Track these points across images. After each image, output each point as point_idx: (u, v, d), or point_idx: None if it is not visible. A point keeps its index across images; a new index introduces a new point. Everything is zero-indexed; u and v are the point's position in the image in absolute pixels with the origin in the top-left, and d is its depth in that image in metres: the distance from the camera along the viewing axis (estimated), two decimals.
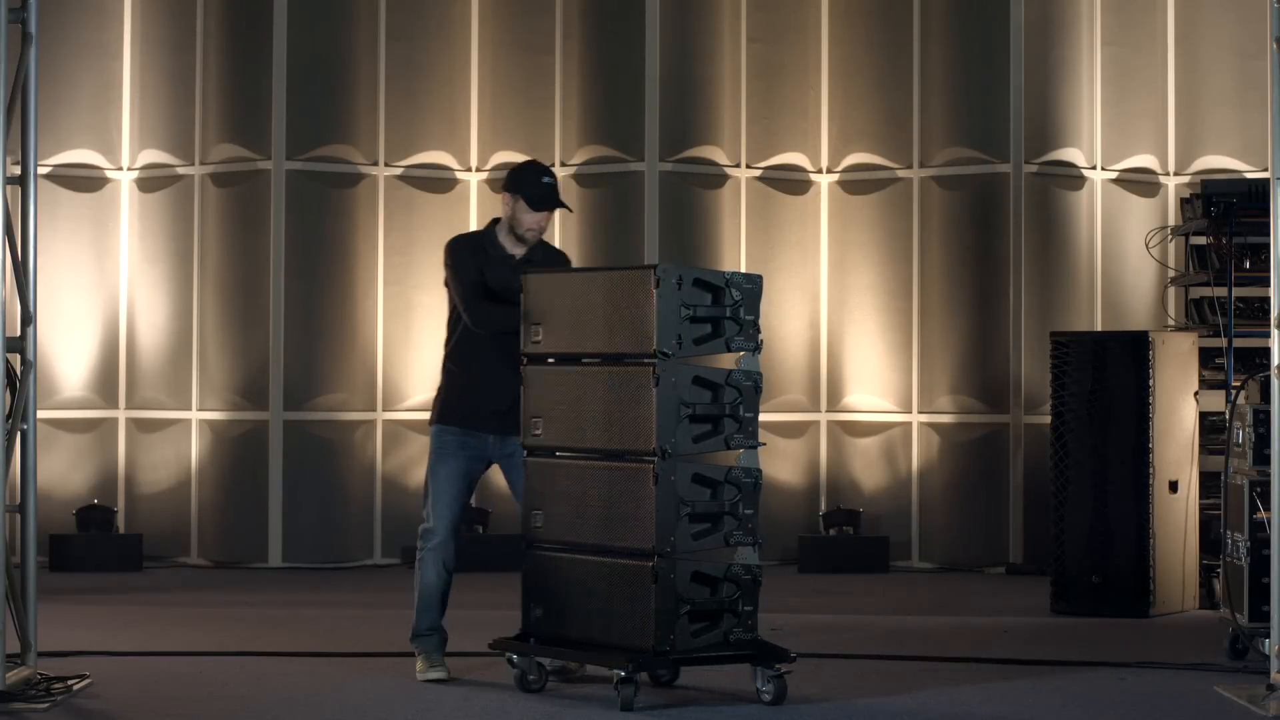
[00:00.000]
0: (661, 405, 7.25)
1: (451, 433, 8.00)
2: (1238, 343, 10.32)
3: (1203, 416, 10.45)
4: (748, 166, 12.85)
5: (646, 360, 7.29)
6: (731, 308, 7.38)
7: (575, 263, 12.47)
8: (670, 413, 7.28)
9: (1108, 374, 10.23)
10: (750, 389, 7.40)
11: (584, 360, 7.55)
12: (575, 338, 7.55)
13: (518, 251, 8.02)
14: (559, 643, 7.55)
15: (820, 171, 12.98)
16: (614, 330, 7.40)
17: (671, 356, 7.28)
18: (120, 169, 12.98)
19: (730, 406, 7.37)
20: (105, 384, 12.90)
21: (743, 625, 7.40)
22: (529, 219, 7.98)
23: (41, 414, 11.08)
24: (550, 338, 7.59)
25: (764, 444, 7.62)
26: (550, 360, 7.65)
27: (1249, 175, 12.31)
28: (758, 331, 7.46)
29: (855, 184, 12.86)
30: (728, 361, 7.49)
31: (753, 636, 7.42)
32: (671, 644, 7.25)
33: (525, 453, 7.71)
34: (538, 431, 7.63)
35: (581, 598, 7.49)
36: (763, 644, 7.43)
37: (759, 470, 7.45)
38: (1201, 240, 10.87)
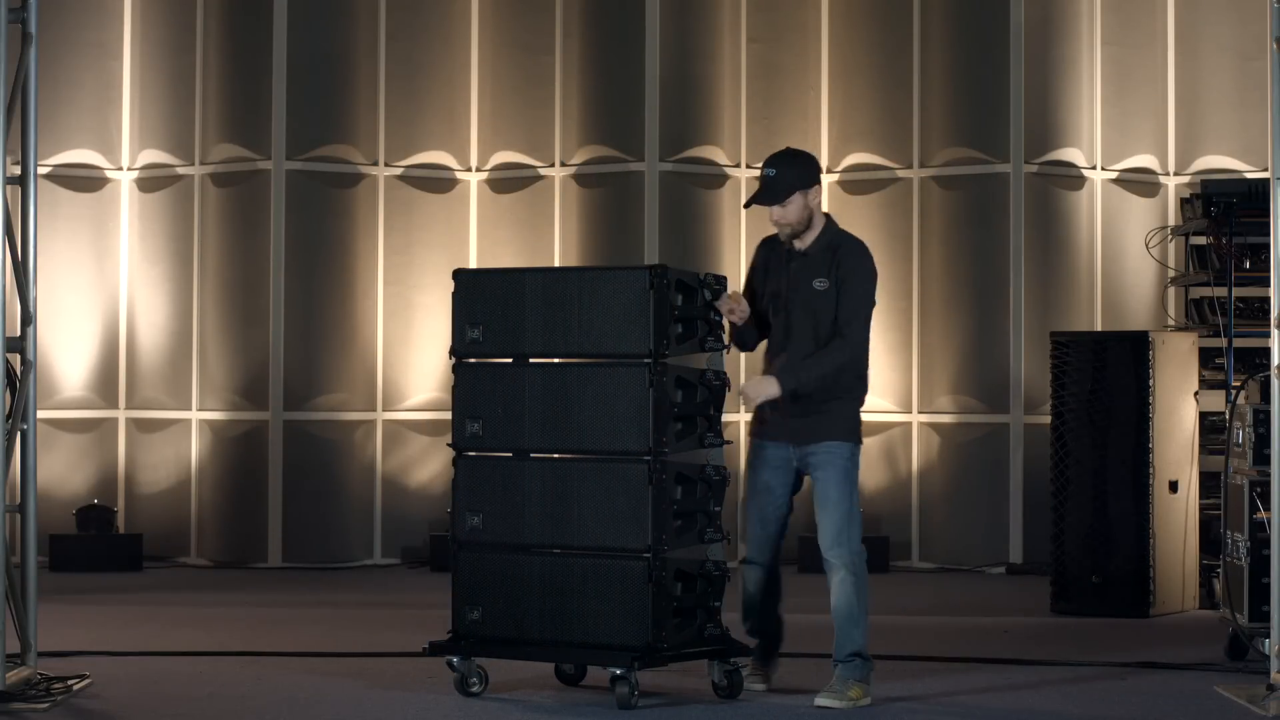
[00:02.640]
0: (656, 405, 7.29)
1: (755, 445, 7.73)
2: (1238, 343, 10.32)
3: (1203, 416, 10.45)
4: (748, 166, 12.85)
5: (642, 360, 7.32)
6: (703, 308, 7.48)
7: (575, 262, 12.55)
8: (664, 413, 7.32)
9: (1108, 374, 10.23)
10: (719, 388, 7.52)
11: (556, 360, 7.57)
12: (544, 337, 7.52)
13: (796, 244, 7.64)
14: (512, 643, 7.53)
15: (820, 171, 12.96)
16: (603, 330, 7.40)
17: (667, 357, 7.33)
18: (120, 169, 12.98)
19: (702, 405, 7.47)
20: (105, 384, 12.90)
21: (713, 620, 7.49)
22: (770, 215, 7.66)
23: (41, 414, 11.09)
24: (504, 337, 7.55)
25: (730, 442, 7.75)
26: (502, 359, 7.61)
27: (1249, 175, 12.31)
28: (724, 331, 7.59)
29: (855, 184, 12.86)
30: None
31: (722, 631, 7.51)
32: (665, 640, 7.28)
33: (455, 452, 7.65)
34: (476, 431, 7.58)
35: (542, 597, 7.46)
36: (728, 639, 7.52)
37: (726, 468, 7.56)
38: (1201, 240, 10.87)
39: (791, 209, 7.57)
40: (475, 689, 7.53)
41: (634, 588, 7.30)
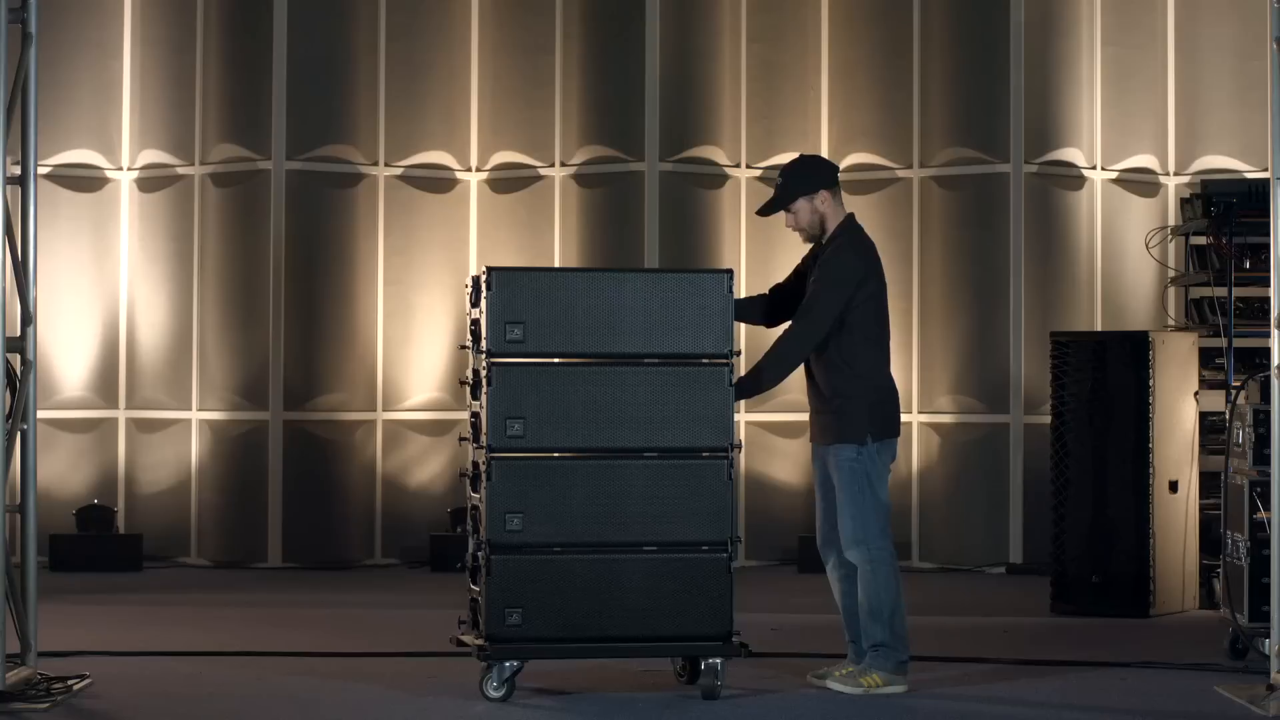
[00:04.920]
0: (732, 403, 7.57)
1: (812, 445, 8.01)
2: (1238, 343, 10.32)
3: (1203, 416, 10.45)
4: (748, 166, 12.85)
5: (720, 360, 7.54)
6: None
7: (574, 263, 12.55)
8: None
9: (1108, 374, 10.23)
10: None
11: (613, 360, 7.59)
12: (599, 337, 7.53)
13: (823, 244, 7.93)
14: (564, 641, 7.49)
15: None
16: (672, 331, 7.51)
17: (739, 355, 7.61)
18: (120, 169, 12.98)
19: None
20: (105, 384, 12.90)
21: None
22: (784, 221, 7.99)
23: (41, 414, 11.08)
24: (547, 337, 7.52)
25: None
26: (550, 360, 7.58)
27: (1249, 175, 12.31)
28: None
29: (855, 184, 12.84)
30: None
31: None
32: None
33: (492, 454, 7.54)
34: (517, 432, 7.55)
35: (602, 594, 7.46)
36: None
37: None
38: (1201, 240, 10.87)
39: (799, 215, 7.87)
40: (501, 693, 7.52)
41: (716, 580, 7.47)
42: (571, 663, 7.94)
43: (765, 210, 7.95)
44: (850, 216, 7.90)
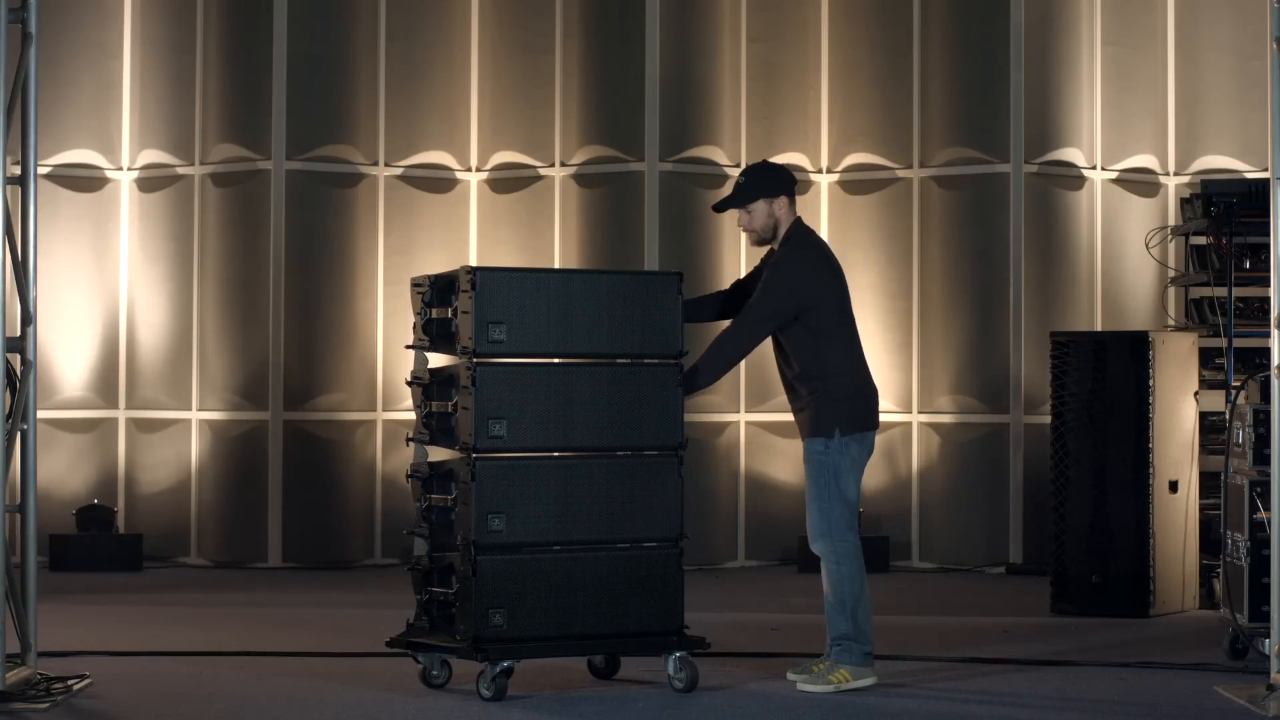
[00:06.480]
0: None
1: None
2: (1238, 343, 10.32)
3: (1203, 416, 10.46)
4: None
5: (672, 361, 7.63)
6: None
7: (574, 263, 12.55)
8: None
9: (1108, 374, 10.23)
10: None
11: (572, 360, 7.63)
12: (571, 337, 7.56)
13: (772, 248, 8.03)
14: (549, 640, 7.52)
15: (820, 171, 12.98)
16: (629, 332, 7.58)
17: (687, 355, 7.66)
18: (120, 169, 12.98)
19: None
20: (105, 384, 12.90)
21: None
22: (738, 220, 8.05)
23: (41, 414, 11.09)
24: (524, 337, 7.53)
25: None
26: (527, 360, 7.62)
27: (1249, 175, 12.32)
28: None
29: (855, 184, 12.86)
30: None
31: None
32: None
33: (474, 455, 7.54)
34: (500, 432, 7.56)
35: (579, 592, 7.51)
36: None
37: None
38: (1201, 240, 10.87)
39: (755, 216, 7.94)
40: (438, 681, 7.63)
41: (670, 575, 7.59)
42: (570, 662, 7.95)
43: (722, 205, 8.03)
44: (799, 220, 7.98)
